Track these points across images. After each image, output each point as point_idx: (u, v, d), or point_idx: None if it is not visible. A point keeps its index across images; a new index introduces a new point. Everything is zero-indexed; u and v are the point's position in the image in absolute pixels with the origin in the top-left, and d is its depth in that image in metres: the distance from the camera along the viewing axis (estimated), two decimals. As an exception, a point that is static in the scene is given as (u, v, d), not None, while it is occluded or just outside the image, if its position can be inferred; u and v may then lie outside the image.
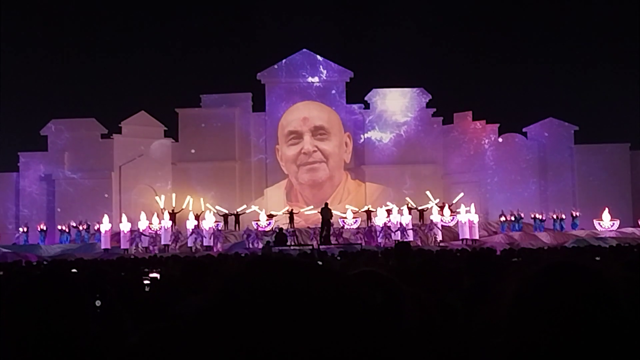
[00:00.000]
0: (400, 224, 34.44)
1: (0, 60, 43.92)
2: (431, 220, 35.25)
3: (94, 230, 36.32)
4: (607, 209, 36.98)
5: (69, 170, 40.90)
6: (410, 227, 34.58)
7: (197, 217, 35.59)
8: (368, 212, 36.41)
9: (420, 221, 36.39)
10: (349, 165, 42.33)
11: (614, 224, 36.57)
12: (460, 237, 34.47)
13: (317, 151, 41.21)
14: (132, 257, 25.42)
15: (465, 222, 34.58)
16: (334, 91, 42.95)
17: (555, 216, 36.85)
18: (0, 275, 10.68)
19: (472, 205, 35.68)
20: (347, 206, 38.08)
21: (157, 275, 10.93)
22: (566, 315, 1.49)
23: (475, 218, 34.94)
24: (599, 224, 36.74)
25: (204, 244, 34.37)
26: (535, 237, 34.47)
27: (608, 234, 34.96)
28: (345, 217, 36.77)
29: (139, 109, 41.84)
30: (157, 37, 50.07)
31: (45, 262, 21.82)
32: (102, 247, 34.45)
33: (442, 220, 35.46)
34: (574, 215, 36.88)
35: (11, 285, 2.35)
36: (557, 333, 1.49)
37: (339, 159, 41.83)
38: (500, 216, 36.87)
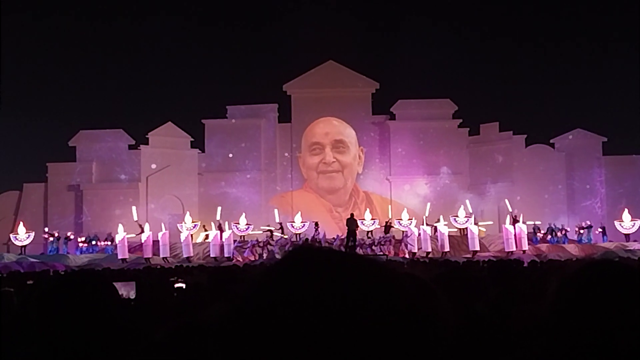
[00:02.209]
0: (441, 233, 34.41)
1: (29, 71, 44.54)
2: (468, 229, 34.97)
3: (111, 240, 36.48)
4: (626, 210, 36.47)
5: (96, 180, 41.27)
6: (447, 237, 34.46)
7: (219, 227, 35.69)
8: (388, 224, 36.20)
9: (460, 232, 36.33)
10: (360, 175, 43.47)
11: (634, 224, 36.13)
12: (506, 250, 33.42)
13: (335, 162, 43.34)
14: (159, 267, 25.51)
15: (517, 233, 33.77)
16: (359, 102, 43.08)
17: (582, 228, 36.41)
18: (29, 284, 10.79)
19: (521, 215, 35.05)
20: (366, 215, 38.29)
21: (183, 285, 10.96)
22: (609, 312, 1.46)
23: (524, 228, 34.36)
24: (620, 224, 36.18)
25: (225, 254, 34.37)
26: (563, 248, 34.02)
27: (637, 245, 34.48)
28: (364, 219, 36.90)
29: (166, 120, 42.17)
30: (183, 48, 50.49)
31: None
32: (119, 256, 34.11)
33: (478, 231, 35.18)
34: (603, 227, 36.50)
35: (45, 284, 2.37)
36: (600, 330, 1.46)
37: (353, 170, 43.58)
38: (548, 229, 36.18)
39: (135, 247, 35.48)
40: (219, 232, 35.35)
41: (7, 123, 44.94)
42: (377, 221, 37.48)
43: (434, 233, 34.72)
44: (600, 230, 36.34)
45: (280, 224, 36.63)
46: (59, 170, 41.69)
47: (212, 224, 36.04)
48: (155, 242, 35.34)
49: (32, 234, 36.33)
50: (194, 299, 6.58)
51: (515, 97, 46.01)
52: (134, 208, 36.33)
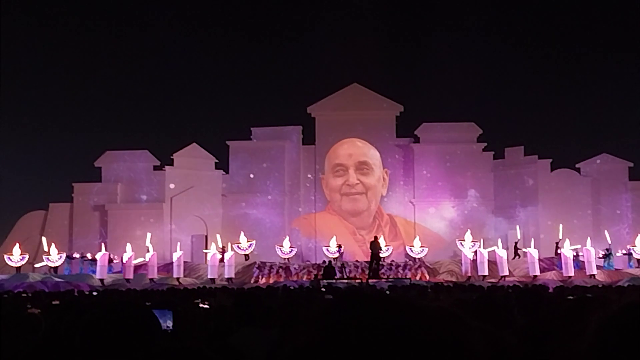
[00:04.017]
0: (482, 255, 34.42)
1: (56, 93, 45.07)
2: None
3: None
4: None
5: (121, 200, 41.56)
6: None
7: (222, 250, 35.77)
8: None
9: (515, 257, 36.33)
10: (384, 197, 43.18)
11: None
12: (565, 274, 32.89)
13: (359, 183, 43.00)
14: (182, 287, 25.56)
15: (573, 258, 33.40)
16: (383, 125, 43.09)
17: (604, 255, 35.83)
18: (55, 304, 10.83)
19: (589, 239, 34.70)
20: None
21: (207, 306, 10.98)
22: None
23: (592, 251, 33.54)
24: (632, 249, 35.45)
25: (226, 275, 34.15)
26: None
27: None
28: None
29: (190, 141, 42.47)
30: (208, 70, 50.91)
31: (95, 293, 22.00)
32: (125, 276, 34.27)
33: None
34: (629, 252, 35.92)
35: (91, 315, 2.40)
36: None
37: (377, 192, 43.24)
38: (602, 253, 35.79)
39: (162, 267, 35.75)
40: (218, 252, 35.33)
41: (35, 143, 45.55)
42: (390, 248, 38.09)
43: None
44: (624, 253, 35.76)
45: (223, 247, 36.63)
46: (84, 190, 42.06)
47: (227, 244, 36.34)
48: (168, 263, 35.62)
49: (64, 255, 36.64)
50: (221, 321, 6.58)
51: (540, 122, 45.79)
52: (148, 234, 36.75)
